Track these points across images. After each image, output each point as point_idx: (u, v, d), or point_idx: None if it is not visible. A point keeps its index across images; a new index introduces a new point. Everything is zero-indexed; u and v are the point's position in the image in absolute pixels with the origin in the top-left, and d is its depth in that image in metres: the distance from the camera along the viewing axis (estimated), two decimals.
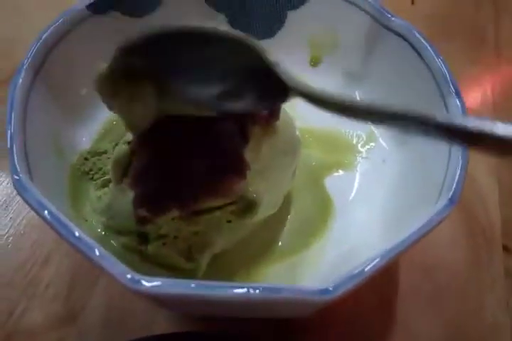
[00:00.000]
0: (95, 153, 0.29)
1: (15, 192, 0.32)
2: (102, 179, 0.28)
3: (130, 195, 0.22)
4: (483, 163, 0.36)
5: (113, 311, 0.28)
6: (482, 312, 0.29)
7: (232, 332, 0.25)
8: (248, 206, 0.23)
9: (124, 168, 0.23)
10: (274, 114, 0.23)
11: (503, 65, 0.43)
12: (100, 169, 0.29)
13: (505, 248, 0.32)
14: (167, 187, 0.21)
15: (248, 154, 0.21)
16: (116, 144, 0.27)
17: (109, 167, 0.26)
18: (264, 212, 0.24)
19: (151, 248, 0.24)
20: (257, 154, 0.22)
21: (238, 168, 0.20)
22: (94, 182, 0.28)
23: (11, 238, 0.30)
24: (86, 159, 0.29)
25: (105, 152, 0.29)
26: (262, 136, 0.23)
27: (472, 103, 0.40)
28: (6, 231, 0.31)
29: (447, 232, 0.32)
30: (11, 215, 0.31)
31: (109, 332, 0.27)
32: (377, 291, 0.29)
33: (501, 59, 0.43)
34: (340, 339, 0.27)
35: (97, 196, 0.27)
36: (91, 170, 0.29)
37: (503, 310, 0.29)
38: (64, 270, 0.29)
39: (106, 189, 0.27)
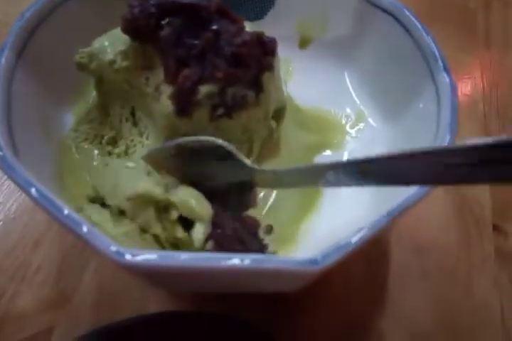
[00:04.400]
0: (86, 121, 0.29)
1: (4, 177, 0.32)
2: (105, 147, 0.28)
3: None
4: None
5: (104, 294, 0.28)
6: (472, 291, 0.30)
7: (222, 313, 0.25)
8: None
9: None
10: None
11: (494, 50, 0.43)
12: (96, 136, 0.29)
13: (495, 227, 0.32)
14: None
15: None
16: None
17: (105, 132, 0.28)
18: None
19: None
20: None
21: None
22: (97, 147, 0.28)
23: (0, 222, 0.30)
24: (76, 131, 0.29)
25: (94, 119, 0.29)
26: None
27: (463, 88, 0.40)
28: None
29: (437, 213, 0.33)
30: (0, 200, 0.31)
31: (101, 314, 0.27)
32: (368, 271, 0.29)
33: (491, 44, 0.43)
34: (330, 318, 0.28)
35: (105, 163, 0.27)
36: (86, 138, 0.29)
37: (492, 288, 0.30)
38: (54, 254, 0.29)
39: (108, 158, 0.28)
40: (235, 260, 0.17)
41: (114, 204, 0.25)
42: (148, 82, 0.25)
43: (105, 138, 0.28)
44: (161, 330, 0.24)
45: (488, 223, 0.32)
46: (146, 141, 0.27)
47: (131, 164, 0.26)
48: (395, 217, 0.20)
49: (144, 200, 0.24)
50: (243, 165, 0.24)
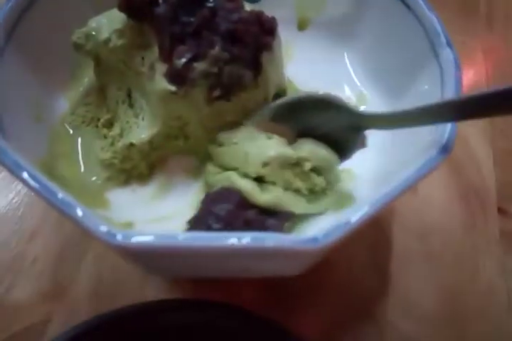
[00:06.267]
0: (82, 104, 0.29)
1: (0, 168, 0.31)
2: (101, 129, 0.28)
3: None
4: (475, 127, 0.35)
5: (101, 285, 0.27)
6: (477, 275, 0.29)
7: (222, 300, 0.25)
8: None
9: None
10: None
11: (496, 33, 0.42)
12: (93, 118, 0.29)
13: (500, 210, 0.32)
14: None
15: None
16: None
17: (101, 115, 0.29)
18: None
19: None
20: None
21: None
22: (96, 129, 0.29)
23: None
24: (72, 114, 0.29)
25: (91, 102, 0.29)
26: None
27: (465, 72, 0.39)
28: None
29: (442, 196, 0.32)
30: None
31: (98, 305, 0.27)
32: (371, 256, 0.29)
33: (493, 27, 0.42)
34: (333, 304, 0.27)
35: (101, 147, 0.28)
36: (83, 122, 0.29)
37: (498, 272, 0.29)
38: (51, 245, 0.29)
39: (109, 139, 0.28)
40: (234, 239, 0.17)
41: (250, 171, 0.25)
42: (144, 62, 0.25)
43: (101, 120, 0.28)
44: (159, 318, 0.24)
45: (493, 205, 0.32)
46: (141, 122, 0.26)
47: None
48: (395, 196, 0.19)
49: (280, 161, 0.25)
50: (351, 112, 0.25)
